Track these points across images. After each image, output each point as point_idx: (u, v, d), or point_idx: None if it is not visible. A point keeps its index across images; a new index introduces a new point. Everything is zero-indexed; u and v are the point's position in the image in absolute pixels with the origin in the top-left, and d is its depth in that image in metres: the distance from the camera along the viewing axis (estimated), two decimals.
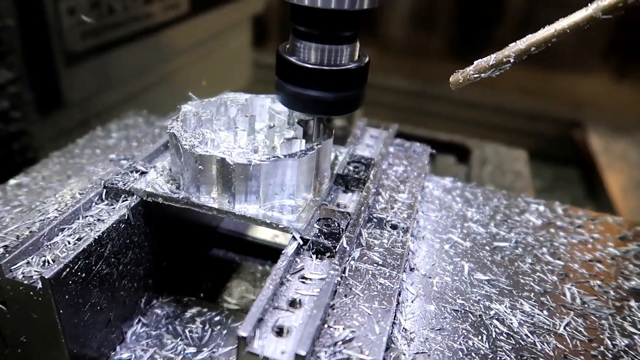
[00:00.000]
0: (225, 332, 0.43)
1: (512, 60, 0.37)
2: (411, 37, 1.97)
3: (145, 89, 1.15)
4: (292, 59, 0.39)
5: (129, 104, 1.09)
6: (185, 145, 0.38)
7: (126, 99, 1.09)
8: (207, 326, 0.43)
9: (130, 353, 0.40)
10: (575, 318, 0.37)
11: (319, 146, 0.40)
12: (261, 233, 0.56)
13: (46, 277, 0.32)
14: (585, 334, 0.36)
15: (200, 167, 0.37)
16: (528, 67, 1.79)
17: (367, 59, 0.40)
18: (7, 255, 0.33)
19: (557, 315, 0.37)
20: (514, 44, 0.37)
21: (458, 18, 1.90)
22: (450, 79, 0.40)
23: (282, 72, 0.40)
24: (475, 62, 0.39)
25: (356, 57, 0.40)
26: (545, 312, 0.38)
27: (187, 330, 0.42)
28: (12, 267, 0.33)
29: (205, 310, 0.44)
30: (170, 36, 1.18)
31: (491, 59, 0.38)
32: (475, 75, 0.39)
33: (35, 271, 0.33)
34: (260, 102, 0.46)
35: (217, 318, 0.44)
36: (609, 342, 0.36)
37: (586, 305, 0.39)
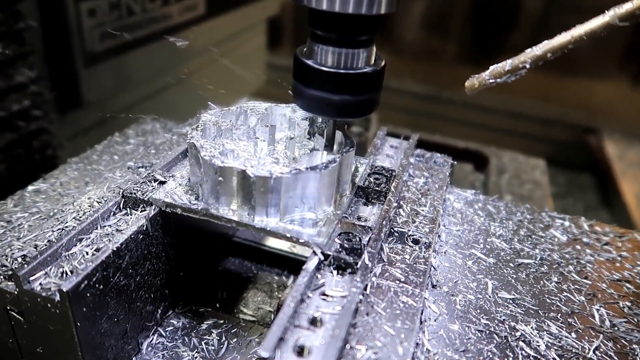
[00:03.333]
0: (241, 344, 0.42)
1: (527, 66, 0.37)
2: (425, 42, 1.95)
3: (161, 90, 1.16)
4: (309, 62, 0.39)
5: (145, 105, 1.09)
6: (205, 156, 0.37)
7: (143, 100, 1.09)
8: (224, 338, 0.42)
9: None
10: (605, 342, 0.36)
11: (341, 158, 0.39)
12: (277, 243, 0.55)
13: (64, 289, 0.31)
14: (616, 358, 0.35)
15: (220, 178, 0.37)
16: (544, 72, 1.77)
17: (383, 63, 0.40)
18: (26, 265, 0.32)
19: (586, 338, 0.36)
20: (530, 49, 0.37)
21: (472, 23, 1.88)
22: (466, 83, 0.40)
23: (298, 75, 0.40)
24: (491, 68, 0.38)
25: (372, 61, 0.40)
26: (573, 334, 0.36)
27: (203, 342, 0.42)
28: (31, 279, 0.33)
29: (221, 321, 0.44)
30: (187, 38, 1.18)
31: (507, 64, 0.37)
32: (491, 81, 0.38)
33: (54, 283, 0.32)
34: (280, 111, 0.45)
35: (233, 330, 0.43)
36: None
37: (616, 328, 0.37)
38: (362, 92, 0.39)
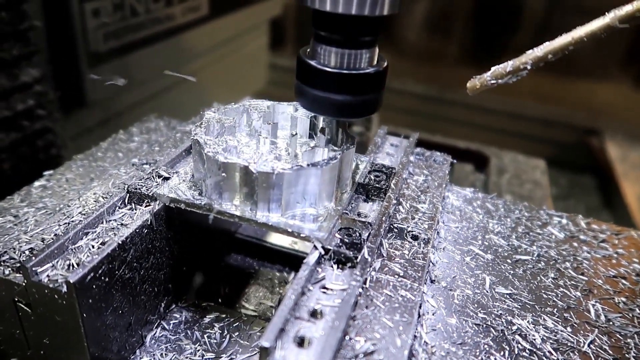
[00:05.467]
0: (243, 338, 0.43)
1: (529, 67, 0.37)
2: (427, 42, 1.96)
3: (165, 90, 1.17)
4: (312, 63, 0.39)
5: (149, 105, 1.10)
6: (209, 152, 0.38)
7: (146, 100, 1.10)
8: (226, 332, 0.43)
9: (150, 357, 0.40)
10: (600, 336, 0.37)
11: (342, 155, 0.40)
12: (279, 239, 0.56)
13: (71, 281, 0.32)
14: (610, 352, 0.35)
15: (223, 174, 0.37)
16: (546, 73, 1.78)
17: (385, 64, 0.41)
18: (34, 258, 0.33)
19: (581, 332, 0.37)
20: (531, 51, 0.37)
21: (475, 23, 1.89)
22: (468, 84, 0.41)
23: (302, 76, 0.41)
24: (493, 69, 0.39)
25: (375, 62, 0.40)
26: (568, 328, 0.37)
27: (205, 336, 0.42)
28: (38, 270, 0.33)
29: (223, 316, 0.45)
30: (190, 38, 1.19)
31: (508, 65, 0.38)
32: (493, 82, 0.39)
33: (60, 275, 0.33)
34: (282, 109, 0.46)
35: (235, 324, 0.44)
36: None
37: (611, 323, 0.38)
38: (364, 92, 0.40)
